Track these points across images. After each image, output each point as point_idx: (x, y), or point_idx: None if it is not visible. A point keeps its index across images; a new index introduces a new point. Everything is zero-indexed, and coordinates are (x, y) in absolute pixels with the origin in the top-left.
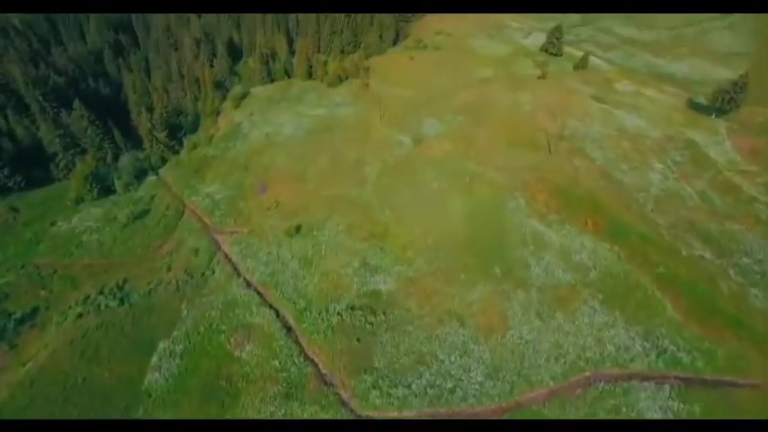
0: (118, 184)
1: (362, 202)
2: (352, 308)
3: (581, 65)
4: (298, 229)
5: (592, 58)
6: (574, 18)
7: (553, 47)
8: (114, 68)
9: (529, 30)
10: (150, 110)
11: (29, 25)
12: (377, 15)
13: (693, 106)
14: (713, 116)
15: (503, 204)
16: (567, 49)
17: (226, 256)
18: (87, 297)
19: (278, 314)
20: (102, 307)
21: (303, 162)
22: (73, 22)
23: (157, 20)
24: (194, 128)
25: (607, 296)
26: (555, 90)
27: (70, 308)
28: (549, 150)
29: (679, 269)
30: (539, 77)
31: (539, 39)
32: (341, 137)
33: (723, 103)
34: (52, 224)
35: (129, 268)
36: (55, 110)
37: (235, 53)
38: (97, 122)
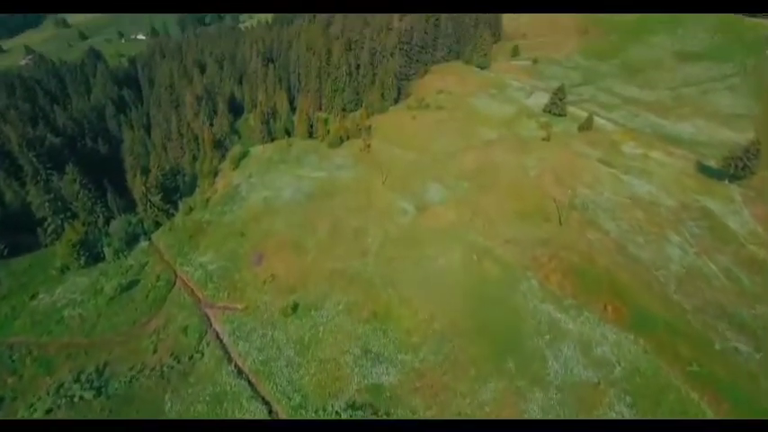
0: (107, 252)
1: (363, 278)
2: (352, 406)
3: (586, 126)
4: (294, 308)
5: (596, 119)
6: (575, 77)
7: (557, 107)
8: (115, 124)
9: (531, 89)
10: (146, 172)
11: (36, 80)
12: (379, 74)
13: (704, 171)
14: (726, 182)
15: (514, 286)
16: (570, 108)
17: (217, 335)
18: (61, 386)
19: (270, 410)
20: (77, 399)
21: (302, 230)
22: (80, 75)
23: (161, 76)
24: (191, 189)
25: (636, 398)
26: (561, 153)
27: (39, 399)
28: (560, 221)
29: (714, 366)
30: (543, 139)
31: (541, 98)
32: (341, 203)
33: (737, 169)
34: (33, 297)
35: (112, 348)
36: (49, 171)
37: (236, 109)
38: (90, 186)
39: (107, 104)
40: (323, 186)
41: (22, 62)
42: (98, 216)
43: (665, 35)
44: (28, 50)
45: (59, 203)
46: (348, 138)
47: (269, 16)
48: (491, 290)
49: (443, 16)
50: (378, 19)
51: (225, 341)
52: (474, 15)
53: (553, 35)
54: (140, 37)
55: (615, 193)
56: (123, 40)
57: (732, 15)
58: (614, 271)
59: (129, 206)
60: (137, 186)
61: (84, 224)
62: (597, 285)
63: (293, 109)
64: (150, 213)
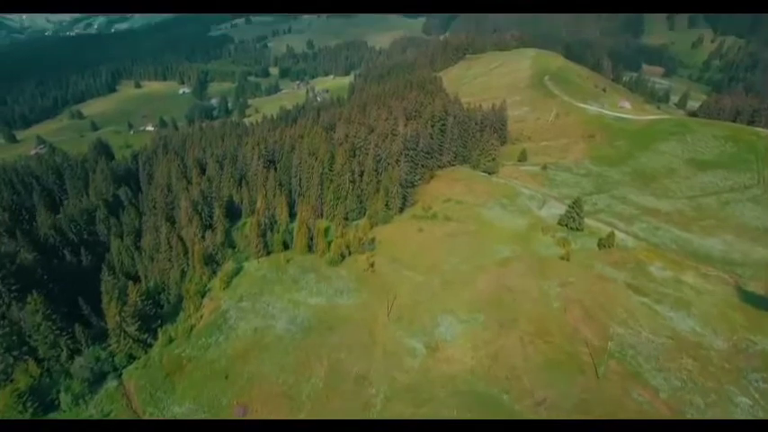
0: (64, 400)
1: None
2: None
3: (607, 243)
4: None
5: (615, 233)
6: (587, 185)
7: (573, 222)
8: (104, 229)
9: (542, 197)
10: (124, 296)
11: (35, 176)
12: (383, 181)
13: (749, 300)
14: None
15: None
16: (586, 220)
17: None
18: None
19: None
20: None
21: (294, 376)
22: (80, 170)
23: (159, 175)
24: (174, 313)
25: None
26: (584, 277)
27: None
28: (597, 374)
29: None
30: (562, 258)
31: (554, 208)
32: (341, 340)
33: None
34: None
35: None
36: (14, 295)
37: (234, 213)
38: (55, 316)
39: (99, 207)
40: (321, 317)
41: (32, 152)
42: (61, 351)
43: (675, 142)
44: (39, 140)
45: (15, 338)
46: (350, 253)
47: (275, 112)
48: None
49: (450, 121)
50: (382, 125)
51: None
52: (479, 119)
53: (559, 139)
54: (149, 128)
55: (654, 331)
56: (132, 132)
57: (741, 126)
58: None
59: (101, 336)
60: (111, 313)
61: (41, 363)
62: None
63: (293, 215)
64: (124, 345)
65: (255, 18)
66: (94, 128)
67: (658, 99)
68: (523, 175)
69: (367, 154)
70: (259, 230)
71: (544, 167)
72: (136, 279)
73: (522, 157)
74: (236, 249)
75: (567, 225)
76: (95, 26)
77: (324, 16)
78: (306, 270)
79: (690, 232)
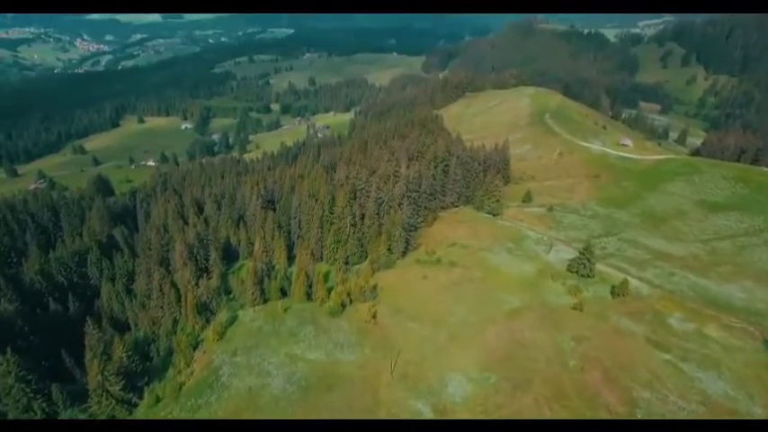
0: None
1: None
2: None
3: (621, 291)
4: None
5: (628, 279)
6: (595, 228)
7: (584, 268)
8: (96, 271)
9: (550, 241)
10: (108, 351)
11: (30, 213)
12: (385, 224)
13: None
14: None
15: None
16: (597, 265)
17: None
18: None
19: None
20: None
21: None
22: (76, 208)
23: (156, 215)
24: (164, 366)
25: None
26: (600, 331)
27: None
28: None
29: None
30: (574, 308)
31: (563, 253)
32: (342, 401)
33: None
34: None
35: None
36: None
37: (230, 255)
38: (30, 377)
39: (92, 248)
40: (320, 374)
41: (31, 187)
42: (35, 414)
43: (683, 183)
44: (40, 175)
45: None
46: (351, 302)
47: (275, 148)
48: None
49: (453, 161)
50: (384, 166)
51: None
52: (482, 159)
53: (563, 179)
54: (150, 163)
55: (683, 395)
56: (133, 166)
57: (750, 166)
58: None
59: (82, 395)
60: (93, 372)
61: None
62: None
63: (291, 257)
64: (105, 406)
65: (258, 56)
66: (96, 162)
67: (658, 136)
68: (529, 217)
69: (368, 196)
70: (256, 277)
71: (550, 209)
72: (125, 328)
73: (527, 198)
74: (232, 296)
75: (577, 271)
76: (103, 63)
77: (325, 55)
78: (304, 321)
79: (707, 278)
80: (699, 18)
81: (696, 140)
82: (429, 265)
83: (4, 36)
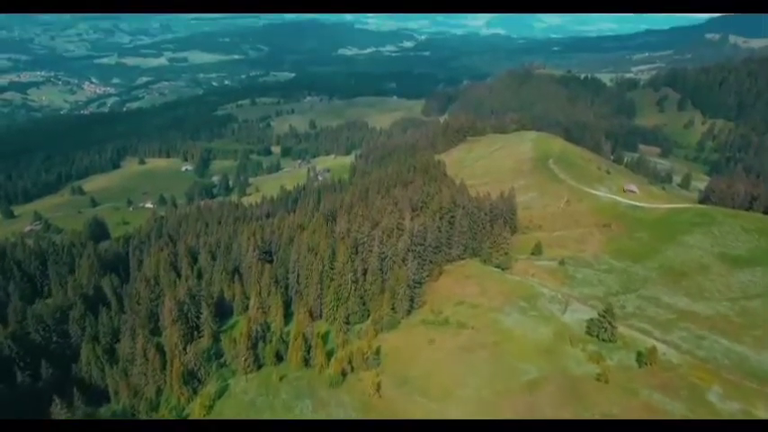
0: None
1: None
2: None
3: (648, 359)
4: None
5: (652, 341)
6: (612, 284)
7: (605, 332)
8: (78, 330)
9: (564, 299)
10: None
11: (17, 261)
12: (389, 282)
13: None
14: None
15: None
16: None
17: None
18: None
19: None
20: None
21: None
22: (66, 256)
23: (148, 266)
24: None
25: None
26: (630, 408)
27: None
28: None
29: None
30: (598, 379)
31: (579, 313)
32: None
33: None
34: None
35: None
36: None
37: (224, 310)
38: None
39: (76, 304)
40: None
41: (26, 229)
42: None
43: (701, 235)
44: (36, 217)
45: None
46: (353, 369)
47: (275, 192)
48: None
49: (459, 212)
50: (387, 218)
51: None
52: (488, 209)
53: (572, 228)
54: (148, 205)
55: None
56: (131, 208)
57: None
58: None
59: None
60: None
61: None
62: None
63: (289, 314)
64: None
65: (260, 99)
66: (94, 204)
67: (661, 180)
68: (540, 272)
69: (371, 251)
70: (249, 341)
71: (562, 262)
72: (103, 398)
73: (537, 250)
74: (224, 359)
75: (597, 335)
76: (108, 105)
77: (326, 98)
78: (301, 393)
79: (741, 344)
80: (691, 64)
81: (699, 184)
82: (436, 326)
83: (16, 79)
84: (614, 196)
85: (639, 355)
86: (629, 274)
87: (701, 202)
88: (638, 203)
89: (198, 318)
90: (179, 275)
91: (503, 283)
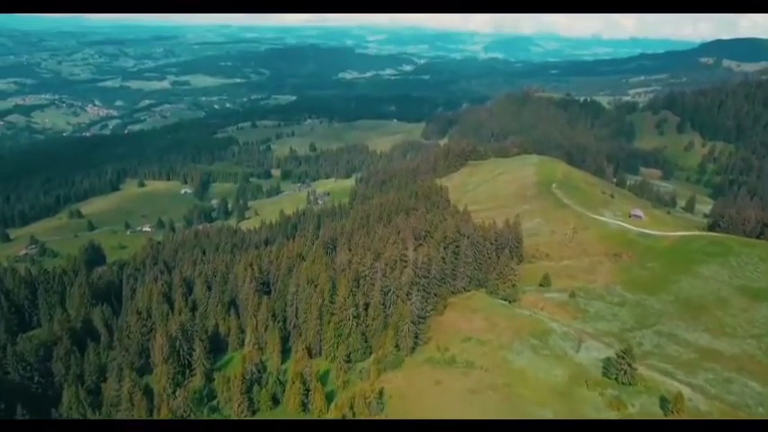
0: None
1: None
2: None
3: (675, 407)
4: None
5: (674, 383)
6: (626, 318)
7: (624, 374)
8: (62, 367)
9: (578, 335)
10: None
11: (5, 291)
12: (392, 318)
13: None
14: None
15: None
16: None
17: None
18: None
19: None
20: None
21: None
22: (57, 285)
23: (140, 298)
24: None
25: None
26: None
27: None
28: None
29: None
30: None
31: (594, 350)
32: None
33: None
34: None
35: None
36: None
37: (218, 345)
38: None
39: (62, 338)
40: None
41: (21, 252)
42: None
43: (717, 265)
44: (32, 240)
45: None
46: (354, 414)
47: (274, 217)
48: None
49: (464, 242)
50: (389, 249)
51: None
52: (494, 238)
53: (580, 257)
54: (146, 229)
55: None
56: (129, 232)
57: None
58: None
59: None
60: None
61: None
62: None
63: (286, 350)
64: None
65: (261, 122)
66: (91, 227)
67: (665, 203)
68: (550, 305)
69: (373, 284)
70: (244, 384)
71: (572, 294)
72: None
73: (545, 282)
74: (216, 402)
75: (616, 377)
76: (110, 127)
77: (326, 121)
78: None
79: None
80: (689, 88)
81: (703, 207)
82: (442, 365)
83: (21, 102)
84: (621, 222)
85: (663, 400)
86: (644, 307)
87: (710, 228)
88: (647, 231)
89: (190, 355)
90: (172, 308)
91: (511, 317)
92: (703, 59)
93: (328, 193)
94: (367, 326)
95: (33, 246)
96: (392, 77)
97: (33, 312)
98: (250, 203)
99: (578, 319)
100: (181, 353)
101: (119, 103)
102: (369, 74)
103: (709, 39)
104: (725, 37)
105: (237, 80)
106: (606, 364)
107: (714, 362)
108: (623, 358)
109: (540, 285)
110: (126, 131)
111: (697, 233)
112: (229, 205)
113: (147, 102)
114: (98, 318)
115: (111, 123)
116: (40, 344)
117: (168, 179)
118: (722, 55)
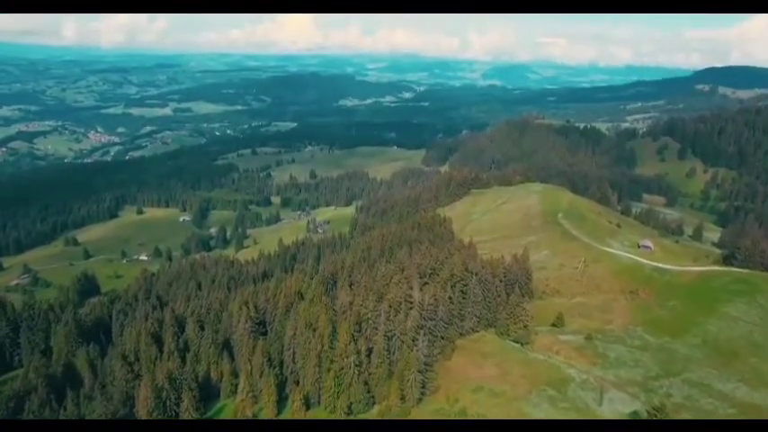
0: None
1: None
2: None
3: None
4: None
5: None
6: (650, 364)
7: None
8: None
9: (599, 384)
10: None
11: None
12: (397, 365)
13: None
14: None
15: None
16: None
17: None
18: None
19: None
20: None
21: None
22: (42, 322)
23: (127, 338)
24: None
25: None
26: None
27: None
28: None
29: None
30: None
31: (618, 402)
32: None
33: None
34: None
35: None
36: None
37: (209, 392)
38: None
39: (38, 386)
40: None
41: (13, 282)
42: None
43: (745, 305)
44: (25, 269)
45: None
46: None
47: (273, 247)
48: None
49: (472, 280)
50: (393, 290)
51: None
52: (503, 274)
53: (594, 294)
54: (143, 257)
55: None
56: (125, 260)
57: None
58: None
59: None
60: None
61: None
62: None
63: (283, 398)
64: None
65: (261, 149)
66: (87, 255)
67: (672, 231)
68: (566, 348)
69: (376, 329)
70: None
71: (589, 337)
72: None
73: (559, 322)
74: None
75: None
76: (111, 153)
77: (326, 148)
78: None
79: None
80: (688, 114)
81: (710, 235)
82: (453, 418)
83: (24, 129)
84: (632, 255)
85: None
86: (669, 352)
87: (725, 259)
88: (662, 265)
89: (178, 405)
90: (161, 350)
91: (525, 363)
92: (699, 86)
93: (328, 222)
94: (370, 374)
95: (26, 275)
96: (392, 104)
97: (15, 352)
98: (249, 231)
99: (597, 365)
100: (167, 404)
101: (121, 129)
102: (369, 101)
103: (702, 67)
104: (718, 65)
105: (239, 107)
106: (634, 419)
107: (756, 413)
108: (655, 415)
109: (553, 325)
110: (127, 158)
111: (718, 268)
112: (228, 233)
113: (148, 128)
114: (82, 359)
115: (113, 150)
116: (12, 395)
117: (167, 206)
118: (717, 82)
